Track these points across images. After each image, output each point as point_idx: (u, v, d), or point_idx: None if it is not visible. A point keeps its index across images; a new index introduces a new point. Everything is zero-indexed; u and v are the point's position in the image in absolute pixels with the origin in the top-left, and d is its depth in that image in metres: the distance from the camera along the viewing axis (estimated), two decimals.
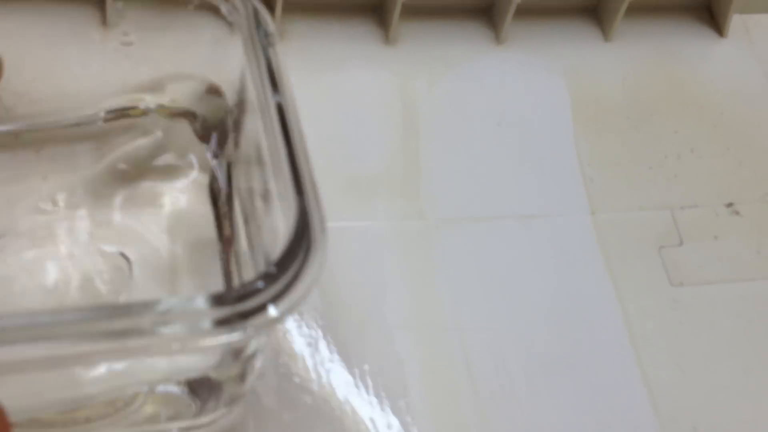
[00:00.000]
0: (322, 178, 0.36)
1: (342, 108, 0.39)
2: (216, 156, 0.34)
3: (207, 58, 0.32)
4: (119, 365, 0.27)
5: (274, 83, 0.28)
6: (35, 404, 0.28)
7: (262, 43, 0.29)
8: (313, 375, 0.33)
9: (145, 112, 0.34)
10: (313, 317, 0.34)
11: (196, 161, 0.34)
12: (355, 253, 0.36)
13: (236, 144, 0.33)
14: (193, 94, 0.34)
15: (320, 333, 0.33)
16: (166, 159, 0.34)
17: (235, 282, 0.31)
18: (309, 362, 0.33)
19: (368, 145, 0.38)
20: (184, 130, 0.34)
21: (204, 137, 0.34)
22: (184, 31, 0.32)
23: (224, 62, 0.31)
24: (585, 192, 0.39)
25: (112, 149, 0.34)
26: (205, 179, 0.34)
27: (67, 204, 0.33)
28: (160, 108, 0.34)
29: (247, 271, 0.31)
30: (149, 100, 0.34)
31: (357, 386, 0.33)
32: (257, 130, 0.29)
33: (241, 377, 0.29)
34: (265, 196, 0.29)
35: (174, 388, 0.29)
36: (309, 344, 0.33)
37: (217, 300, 0.24)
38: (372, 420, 0.32)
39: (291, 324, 0.33)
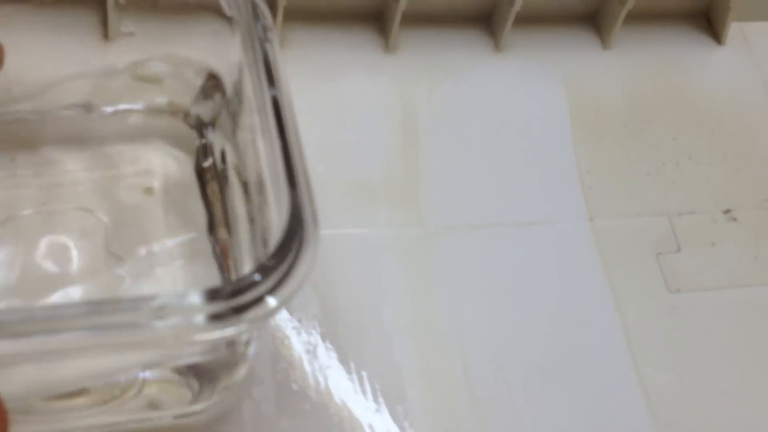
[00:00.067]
0: (322, 185, 0.37)
1: (342, 115, 0.39)
2: (211, 152, 0.34)
3: (206, 52, 0.33)
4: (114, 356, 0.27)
5: (270, 77, 0.29)
6: (31, 392, 0.28)
7: (259, 37, 0.30)
8: (312, 381, 0.33)
9: (140, 110, 0.34)
10: (312, 324, 0.34)
11: (190, 155, 0.34)
12: (355, 259, 0.36)
13: (232, 138, 0.33)
14: (190, 91, 0.34)
15: (319, 339, 0.34)
16: (158, 149, 0.35)
17: (231, 274, 0.32)
18: (308, 369, 0.33)
19: (368, 153, 0.39)
20: (179, 126, 0.34)
21: (199, 132, 0.34)
22: (184, 24, 0.33)
23: (223, 56, 0.32)
24: (583, 199, 0.39)
25: (107, 141, 0.34)
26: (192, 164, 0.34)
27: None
28: (156, 107, 0.34)
29: (243, 262, 0.31)
30: (146, 96, 0.34)
31: (356, 392, 0.33)
32: (253, 124, 0.29)
33: (235, 365, 0.30)
34: (260, 189, 0.29)
35: (169, 376, 0.30)
36: (308, 351, 0.33)
37: (212, 295, 0.24)
38: (371, 426, 0.33)
39: (290, 330, 0.34)
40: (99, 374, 0.28)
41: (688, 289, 0.38)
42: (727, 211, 0.40)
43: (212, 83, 0.34)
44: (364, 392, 0.33)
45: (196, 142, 0.35)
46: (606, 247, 0.38)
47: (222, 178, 0.34)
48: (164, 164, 0.34)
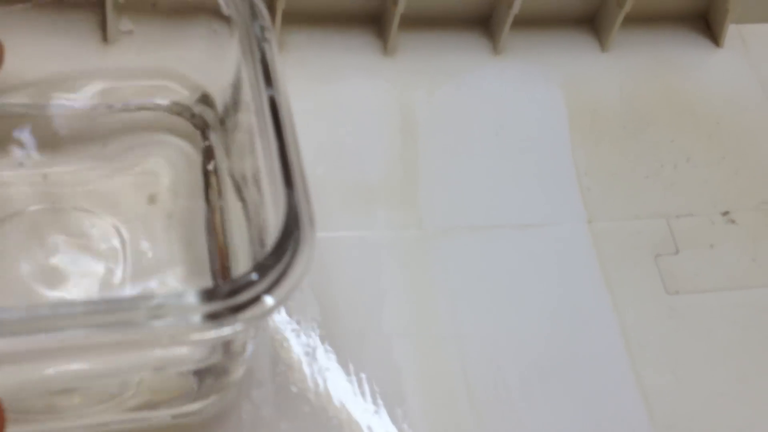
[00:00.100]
0: (321, 187, 0.37)
1: (341, 118, 0.39)
2: (213, 154, 0.34)
3: (205, 51, 0.33)
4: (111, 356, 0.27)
5: (268, 77, 0.29)
6: (28, 390, 0.28)
7: (257, 37, 0.30)
8: (311, 383, 0.33)
9: (143, 107, 0.34)
10: (311, 326, 0.34)
11: (190, 153, 0.35)
12: (354, 262, 0.36)
13: (231, 138, 0.33)
14: (190, 97, 0.35)
15: (318, 341, 0.34)
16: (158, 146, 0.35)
17: (230, 276, 0.32)
18: (307, 371, 0.33)
19: (367, 155, 0.39)
20: (181, 124, 0.34)
21: (203, 133, 0.35)
22: (182, 27, 0.33)
23: (222, 56, 0.32)
24: (582, 201, 0.39)
25: (109, 138, 0.34)
26: (199, 170, 0.34)
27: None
28: (158, 106, 0.34)
29: (241, 263, 0.31)
30: (148, 97, 0.34)
31: (355, 394, 0.33)
32: (251, 125, 0.29)
33: (233, 365, 0.30)
34: (257, 189, 0.29)
35: (167, 375, 0.30)
36: (307, 353, 0.33)
37: (209, 295, 0.24)
38: (370, 428, 0.33)
39: (289, 333, 0.34)
40: (96, 374, 0.28)
41: (686, 291, 0.38)
42: (725, 213, 0.40)
43: (206, 99, 0.34)
44: (363, 394, 0.33)
45: (201, 144, 0.35)
46: (604, 248, 0.38)
47: (222, 180, 0.34)
48: (170, 165, 0.35)
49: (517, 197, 0.39)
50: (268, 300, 0.25)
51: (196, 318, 0.24)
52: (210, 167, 0.34)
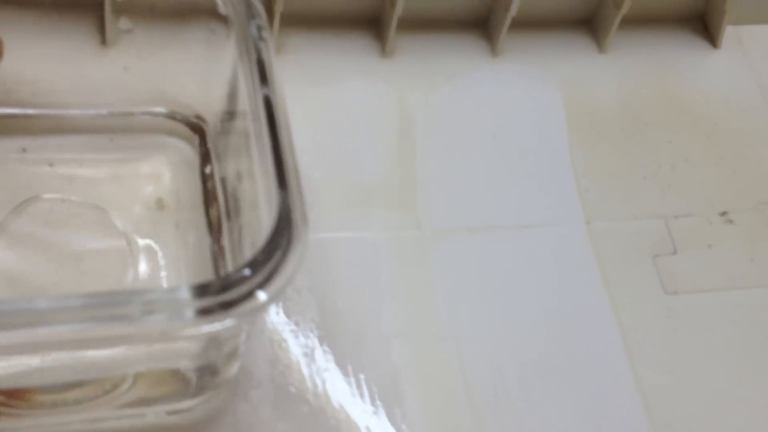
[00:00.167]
0: (319, 189, 0.37)
1: (339, 120, 0.39)
2: (209, 159, 0.34)
3: (203, 51, 0.33)
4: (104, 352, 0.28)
5: (263, 76, 0.29)
6: (21, 385, 0.28)
7: (253, 36, 0.30)
8: (310, 384, 0.33)
9: (144, 113, 0.35)
10: (309, 326, 0.34)
11: (190, 155, 0.35)
12: (352, 263, 0.36)
13: (228, 142, 0.33)
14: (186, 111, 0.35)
15: (316, 342, 0.34)
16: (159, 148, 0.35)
17: (224, 270, 0.32)
18: (305, 371, 0.33)
19: (365, 157, 0.39)
20: (180, 128, 0.35)
21: (202, 138, 0.35)
22: (181, 25, 0.33)
23: (220, 55, 0.32)
24: (580, 202, 0.39)
25: (114, 143, 0.34)
26: (196, 170, 0.34)
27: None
28: (157, 113, 0.35)
29: (236, 259, 0.31)
30: (146, 105, 0.35)
31: (353, 395, 0.33)
32: (246, 127, 0.29)
33: (227, 362, 0.30)
34: (253, 188, 0.29)
35: (161, 371, 0.30)
36: (305, 353, 0.33)
37: (201, 290, 0.25)
38: (368, 428, 0.33)
39: (287, 333, 0.34)
40: (90, 369, 0.28)
41: (684, 291, 0.38)
42: (723, 214, 0.40)
43: (198, 120, 0.35)
44: (361, 395, 0.33)
45: (201, 148, 0.35)
46: (603, 249, 0.38)
47: (219, 183, 0.34)
48: (172, 167, 0.35)
49: (515, 198, 0.39)
50: (261, 295, 0.25)
51: (189, 313, 0.24)
52: (207, 171, 0.34)
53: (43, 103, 0.34)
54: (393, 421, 0.33)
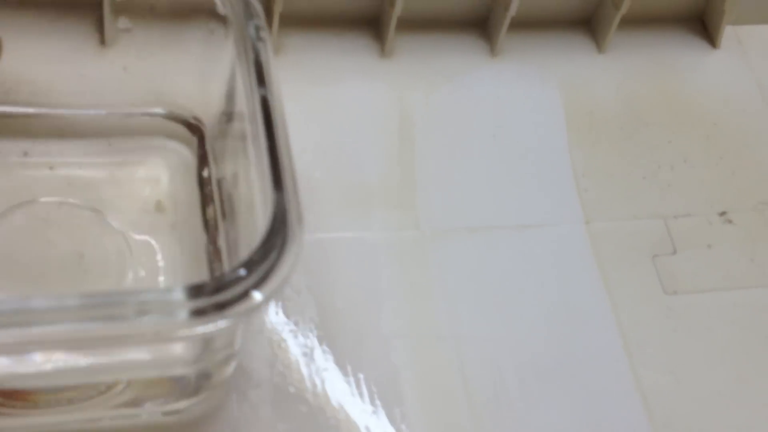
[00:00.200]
0: (318, 189, 0.37)
1: (338, 120, 0.39)
2: (207, 161, 0.34)
3: (202, 51, 0.33)
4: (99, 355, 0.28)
5: (261, 76, 0.29)
6: (14, 385, 0.28)
7: (251, 36, 0.30)
8: (309, 384, 0.33)
9: (143, 114, 0.35)
10: (308, 326, 0.34)
11: (188, 158, 0.35)
12: (351, 263, 0.36)
13: (225, 144, 0.33)
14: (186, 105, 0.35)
15: (316, 342, 0.34)
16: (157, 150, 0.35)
17: (220, 272, 0.32)
18: (304, 371, 0.33)
19: (364, 157, 0.39)
20: (179, 130, 0.35)
21: (200, 140, 0.35)
22: (181, 26, 0.33)
23: (218, 55, 0.32)
24: (579, 202, 0.39)
25: (110, 138, 0.34)
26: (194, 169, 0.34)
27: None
28: (155, 113, 0.35)
29: (232, 260, 0.31)
30: (144, 106, 0.35)
31: (353, 395, 0.33)
32: (244, 130, 0.29)
33: (223, 363, 0.30)
34: (249, 189, 0.29)
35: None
36: (305, 353, 0.33)
37: (195, 291, 0.24)
38: (368, 428, 0.33)
39: (286, 333, 0.34)
40: (85, 370, 0.28)
41: (684, 291, 0.38)
42: (722, 214, 0.40)
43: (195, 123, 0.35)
44: (361, 395, 0.33)
45: (199, 150, 0.35)
46: (602, 249, 0.38)
47: (216, 184, 0.34)
48: (170, 169, 0.35)
49: (514, 198, 0.39)
50: (257, 295, 0.25)
51: (183, 314, 0.24)
52: (205, 174, 0.34)
53: (43, 102, 0.34)
54: (392, 420, 0.33)
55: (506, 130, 0.40)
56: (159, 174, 0.35)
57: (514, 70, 0.42)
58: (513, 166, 0.40)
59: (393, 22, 0.40)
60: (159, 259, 0.33)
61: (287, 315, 0.34)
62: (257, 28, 0.30)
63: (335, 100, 0.40)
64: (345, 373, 0.33)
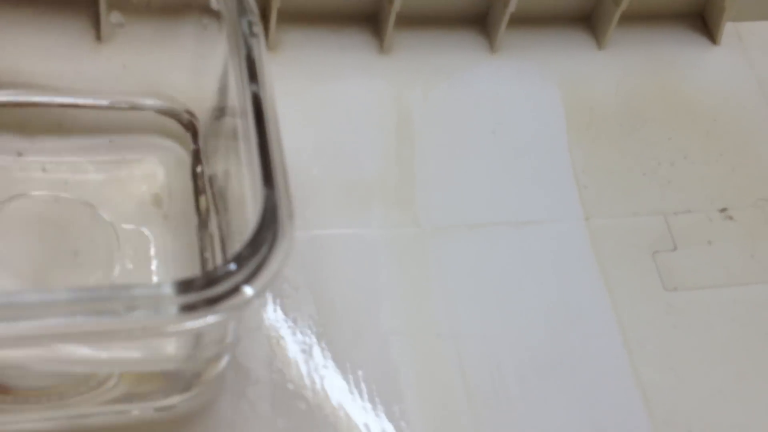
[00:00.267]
0: (317, 186, 0.37)
1: (337, 117, 0.39)
2: (199, 158, 0.34)
3: (196, 47, 0.33)
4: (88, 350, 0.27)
5: (253, 72, 0.29)
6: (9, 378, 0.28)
7: (244, 32, 0.30)
8: (308, 381, 0.33)
9: (135, 108, 0.35)
10: (307, 324, 0.34)
11: (181, 154, 0.35)
12: (350, 260, 0.36)
13: (218, 142, 0.33)
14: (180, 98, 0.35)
15: (314, 339, 0.34)
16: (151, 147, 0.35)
17: (211, 265, 0.32)
18: (303, 369, 0.33)
19: (363, 154, 0.39)
20: (173, 126, 0.35)
21: (194, 135, 0.35)
22: (175, 21, 0.33)
23: (211, 51, 0.32)
24: (579, 198, 0.39)
25: (105, 135, 0.34)
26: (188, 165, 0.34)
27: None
28: (149, 106, 0.35)
29: (224, 255, 0.31)
30: (137, 98, 0.34)
31: (351, 392, 0.33)
32: (235, 126, 0.29)
33: (213, 360, 0.30)
34: (241, 185, 0.29)
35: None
36: (303, 351, 0.33)
37: (185, 286, 0.24)
38: (366, 426, 0.32)
39: (285, 330, 0.34)
40: (74, 365, 0.28)
41: (684, 288, 0.37)
42: (723, 210, 0.40)
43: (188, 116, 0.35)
44: (359, 392, 0.33)
45: (191, 146, 0.35)
46: (602, 246, 0.38)
47: (208, 180, 0.34)
48: (164, 166, 0.35)
49: (514, 195, 0.39)
50: (247, 290, 0.25)
51: (172, 309, 0.24)
52: (199, 169, 0.34)
53: (38, 99, 0.34)
54: (391, 418, 0.33)
55: (506, 127, 0.40)
56: (154, 170, 0.34)
57: (514, 66, 0.42)
58: (512, 163, 0.40)
59: (392, 19, 0.40)
60: (150, 253, 0.33)
61: (285, 312, 0.34)
62: (250, 24, 0.30)
63: (334, 97, 0.40)
64: (344, 370, 0.33)
